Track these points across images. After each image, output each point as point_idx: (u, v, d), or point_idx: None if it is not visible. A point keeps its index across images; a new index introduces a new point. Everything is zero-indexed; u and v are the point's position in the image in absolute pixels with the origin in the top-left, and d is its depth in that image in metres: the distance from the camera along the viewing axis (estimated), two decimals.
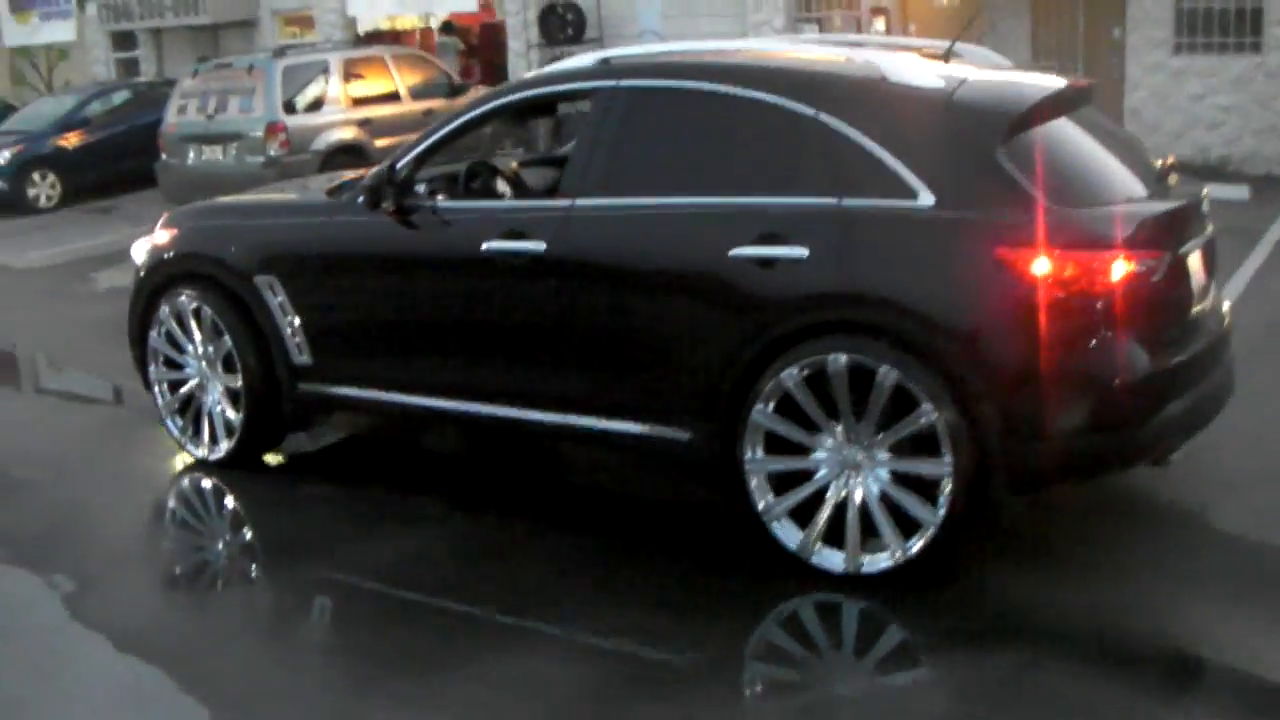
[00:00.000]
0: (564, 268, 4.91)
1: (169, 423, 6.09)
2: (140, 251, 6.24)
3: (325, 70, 14.03)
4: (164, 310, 5.97)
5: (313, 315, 5.59)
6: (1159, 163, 4.94)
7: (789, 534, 4.52)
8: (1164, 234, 4.45)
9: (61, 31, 23.09)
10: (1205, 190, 5.00)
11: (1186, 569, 4.55)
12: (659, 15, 17.12)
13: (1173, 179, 4.91)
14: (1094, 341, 4.22)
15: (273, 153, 13.14)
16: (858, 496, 4.41)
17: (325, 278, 5.59)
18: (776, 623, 4.40)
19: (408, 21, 21.24)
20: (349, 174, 6.42)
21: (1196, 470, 5.15)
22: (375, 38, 20.19)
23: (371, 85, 14.40)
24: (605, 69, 5.17)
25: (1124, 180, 4.67)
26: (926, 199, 4.33)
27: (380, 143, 13.35)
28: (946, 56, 5.09)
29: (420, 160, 5.42)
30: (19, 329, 9.80)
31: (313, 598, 4.80)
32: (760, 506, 4.55)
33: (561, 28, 17.50)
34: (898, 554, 4.34)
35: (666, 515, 5.30)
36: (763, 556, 4.58)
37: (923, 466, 4.29)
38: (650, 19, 17.22)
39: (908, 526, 4.35)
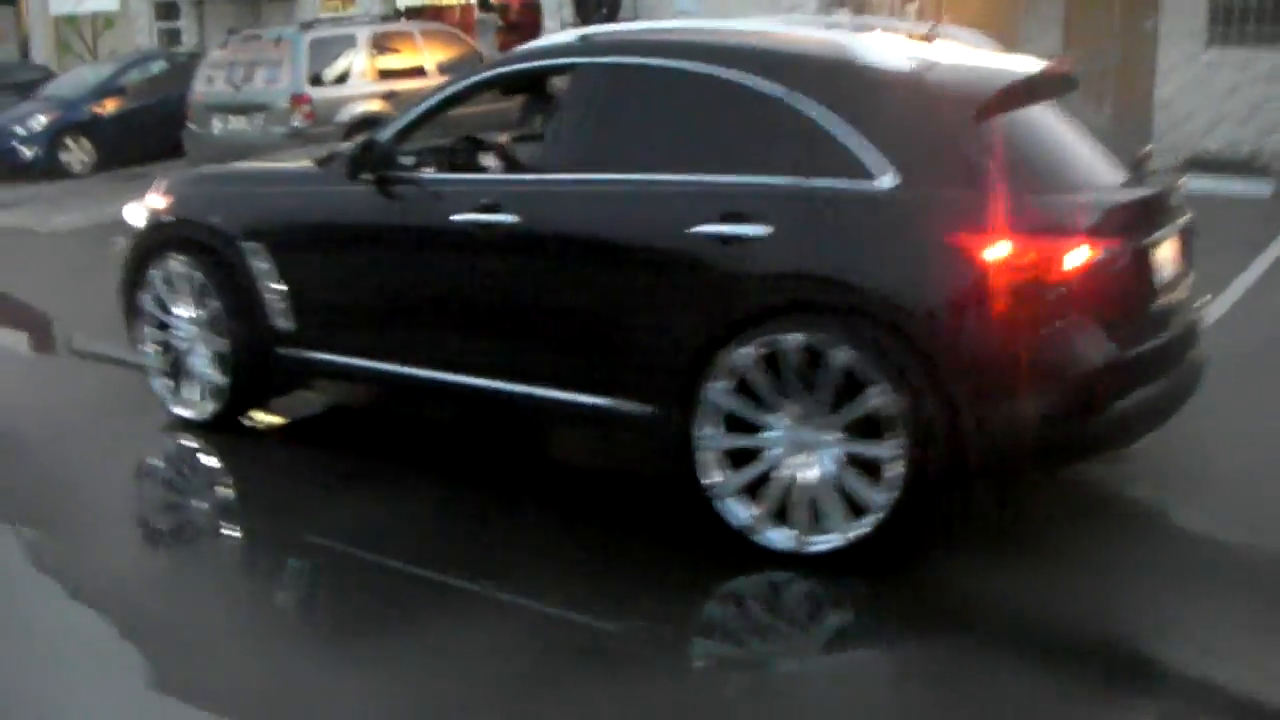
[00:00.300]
0: (534, 241, 4.94)
1: (156, 383, 6.18)
2: (134, 215, 6.33)
3: (352, 44, 14.14)
4: (154, 273, 6.06)
5: (296, 282, 5.65)
6: (1138, 152, 4.91)
7: (735, 511, 4.51)
8: (1127, 223, 4.41)
9: (106, 1, 23.38)
10: (1181, 180, 4.95)
11: (1142, 563, 4.52)
12: None
13: (1151, 169, 4.87)
14: (1050, 328, 4.19)
15: (297, 123, 13.29)
16: (809, 476, 4.40)
17: (308, 245, 5.67)
18: (724, 598, 4.43)
19: None
20: (344, 145, 6.47)
21: (1162, 468, 5.14)
22: (416, 14, 20.26)
23: (398, 60, 14.50)
24: (584, 45, 5.18)
25: (1094, 168, 4.62)
26: (891, 180, 4.31)
27: None
28: (929, 37, 5.07)
29: (403, 133, 5.46)
30: (32, 292, 9.87)
31: (276, 558, 4.88)
32: (705, 482, 4.55)
33: (596, 7, 17.46)
34: (848, 534, 4.34)
35: (630, 490, 5.32)
36: (720, 534, 4.58)
37: (874, 449, 4.27)
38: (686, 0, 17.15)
39: (859, 509, 4.33)
